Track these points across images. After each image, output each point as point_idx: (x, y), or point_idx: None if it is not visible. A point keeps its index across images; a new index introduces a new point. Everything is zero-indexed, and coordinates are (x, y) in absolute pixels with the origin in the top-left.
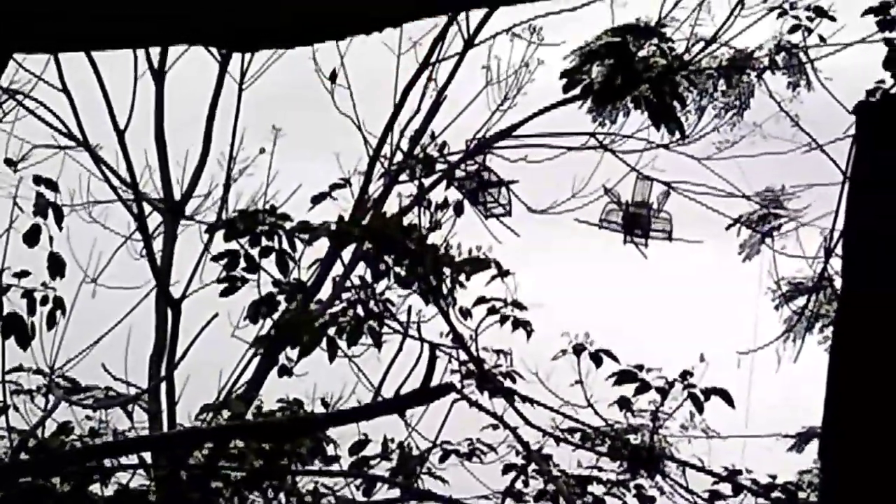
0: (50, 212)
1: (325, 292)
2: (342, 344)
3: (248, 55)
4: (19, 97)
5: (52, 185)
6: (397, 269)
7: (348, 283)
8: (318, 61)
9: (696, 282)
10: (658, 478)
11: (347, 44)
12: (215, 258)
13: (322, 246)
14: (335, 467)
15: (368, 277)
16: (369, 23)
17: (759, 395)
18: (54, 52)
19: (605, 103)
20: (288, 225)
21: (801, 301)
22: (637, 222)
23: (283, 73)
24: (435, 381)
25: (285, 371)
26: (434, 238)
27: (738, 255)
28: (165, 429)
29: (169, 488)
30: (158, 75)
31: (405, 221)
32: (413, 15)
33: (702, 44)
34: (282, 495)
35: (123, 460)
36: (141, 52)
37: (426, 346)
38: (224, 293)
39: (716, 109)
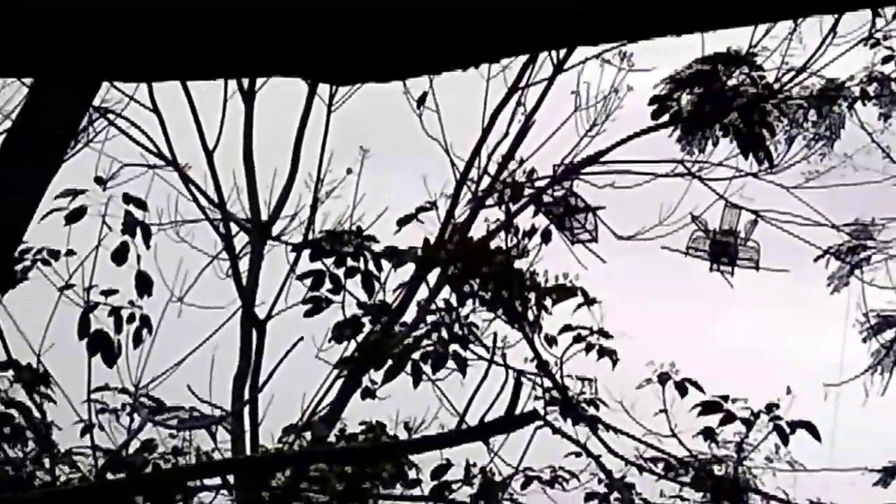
0: (138, 230)
1: (409, 315)
2: (427, 369)
3: None
4: (110, 116)
5: (141, 204)
6: (482, 293)
7: (433, 307)
8: (407, 84)
9: (783, 312)
10: None
11: None
12: (301, 277)
13: (407, 268)
14: (416, 491)
15: (453, 301)
16: (467, 61)
17: (846, 429)
18: (146, 82)
19: (693, 131)
20: (374, 246)
21: (889, 334)
22: (724, 250)
23: (371, 95)
24: (519, 408)
25: (368, 394)
26: (520, 264)
27: (826, 286)
28: (248, 450)
29: None
30: (248, 96)
31: (491, 246)
32: (510, 53)
33: (792, 73)
34: None
35: (206, 481)
36: None
37: (511, 372)
38: (309, 313)
39: (805, 139)
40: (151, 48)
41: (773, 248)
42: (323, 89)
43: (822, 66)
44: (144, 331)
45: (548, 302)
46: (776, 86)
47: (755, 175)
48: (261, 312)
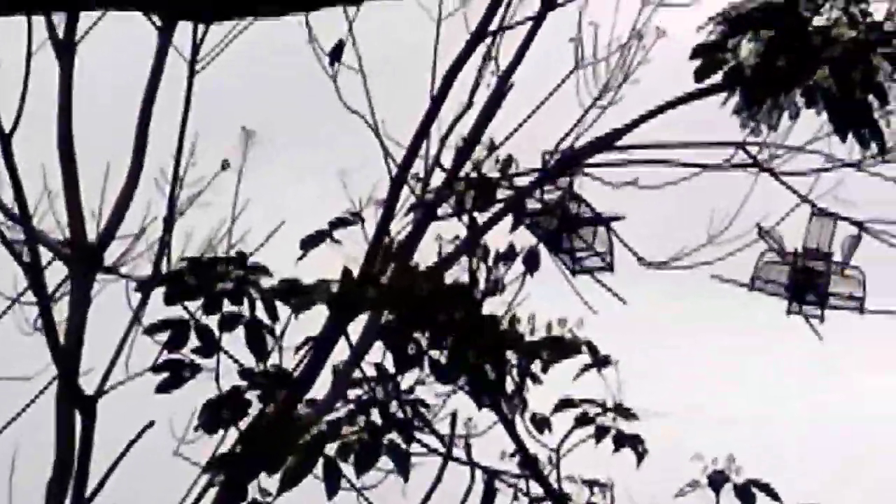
0: None
1: (321, 388)
2: (348, 469)
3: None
4: None
5: None
6: (434, 353)
7: (358, 374)
8: (313, 28)
9: None
10: None
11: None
12: (151, 330)
13: (316, 314)
14: None
15: (390, 365)
16: None
17: None
18: None
19: (761, 98)
20: (264, 281)
21: None
22: (810, 282)
23: (258, 47)
24: None
25: None
26: (493, 306)
27: None
28: None
29: None
30: (64, 48)
31: (448, 279)
32: None
33: None
34: None
35: None
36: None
37: (480, 473)
38: (163, 387)
39: None
40: None
41: (888, 278)
42: (182, 34)
43: None
44: None
45: (536, 365)
46: (888, 26)
47: (857, 165)
48: (88, 385)
